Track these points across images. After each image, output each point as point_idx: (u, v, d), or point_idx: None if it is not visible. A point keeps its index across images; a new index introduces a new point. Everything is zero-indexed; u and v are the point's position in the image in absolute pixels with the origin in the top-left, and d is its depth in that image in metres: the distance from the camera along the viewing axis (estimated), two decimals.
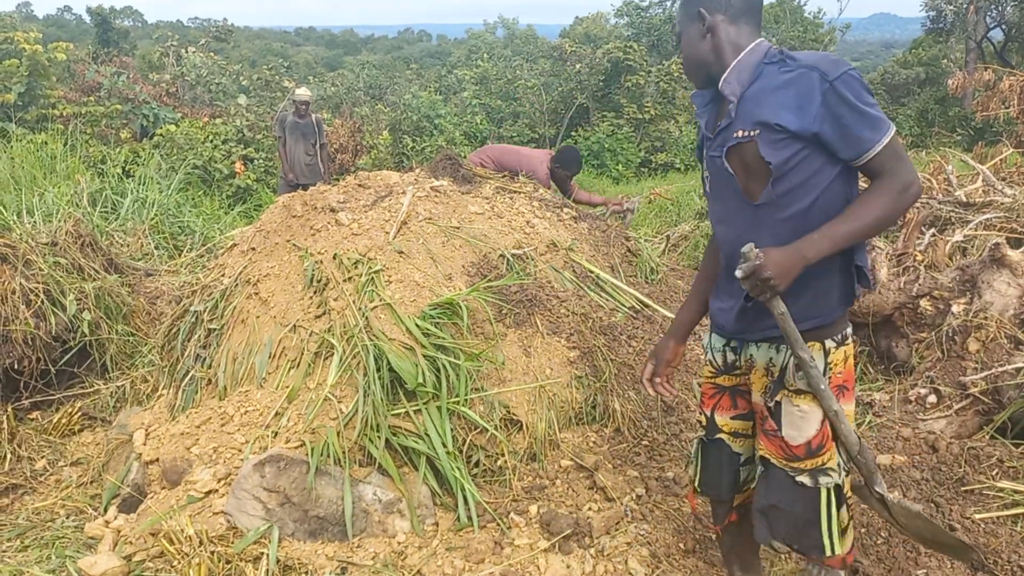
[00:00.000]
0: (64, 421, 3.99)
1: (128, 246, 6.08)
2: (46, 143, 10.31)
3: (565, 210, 4.36)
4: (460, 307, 3.43)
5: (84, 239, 5.09)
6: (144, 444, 3.53)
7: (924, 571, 2.86)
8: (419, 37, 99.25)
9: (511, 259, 3.81)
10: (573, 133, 21.82)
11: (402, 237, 3.75)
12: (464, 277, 3.70)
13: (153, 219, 6.69)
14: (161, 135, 14.92)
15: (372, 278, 3.54)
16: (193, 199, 10.11)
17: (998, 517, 3.00)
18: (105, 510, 3.34)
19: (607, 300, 3.97)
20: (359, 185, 4.11)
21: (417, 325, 3.39)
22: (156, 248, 6.27)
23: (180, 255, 6.51)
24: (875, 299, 4.34)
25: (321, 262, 3.70)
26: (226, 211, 10.97)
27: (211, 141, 15.26)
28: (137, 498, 3.36)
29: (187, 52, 19.01)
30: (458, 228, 3.86)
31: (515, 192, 4.31)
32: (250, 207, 12.55)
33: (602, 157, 20.72)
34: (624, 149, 21.41)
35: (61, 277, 4.45)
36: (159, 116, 16.33)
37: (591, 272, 4.03)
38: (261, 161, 15.58)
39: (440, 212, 3.93)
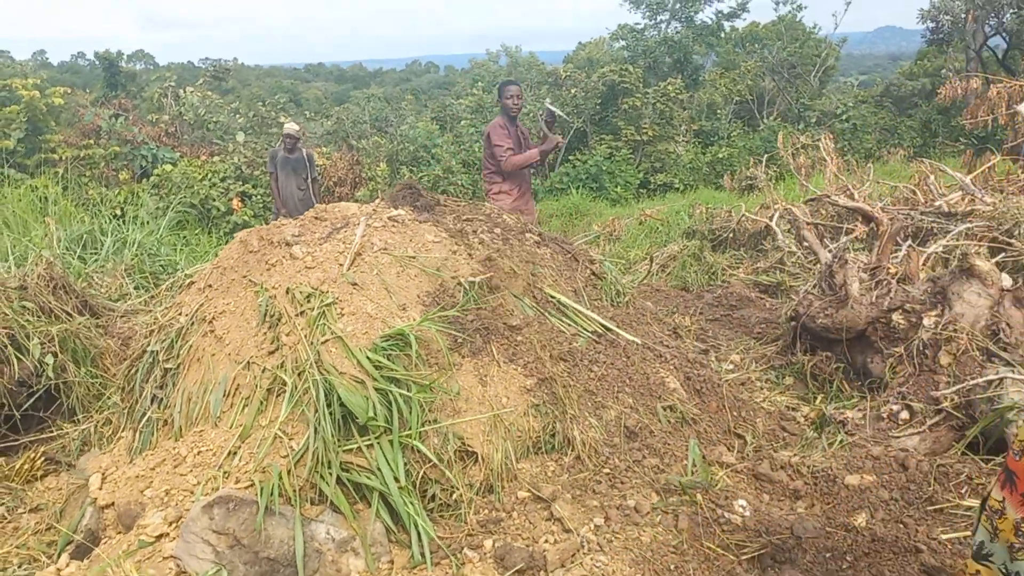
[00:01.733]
0: (27, 467, 3.94)
1: (106, 287, 6.08)
2: (40, 187, 10.41)
3: (527, 235, 4.31)
4: (410, 337, 3.38)
5: (56, 281, 5.08)
6: (100, 488, 3.47)
7: None
8: (427, 68, 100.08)
9: (467, 287, 3.76)
10: (571, 157, 21.85)
11: (356, 269, 3.71)
12: (419, 307, 3.65)
13: (133, 259, 6.69)
14: (158, 175, 15.05)
15: (324, 311, 3.50)
16: (186, 237, 10.15)
17: (965, 537, 2.90)
18: (58, 557, 3.28)
19: (569, 325, 3.91)
20: (315, 218, 4.08)
21: (368, 357, 3.33)
22: (136, 288, 6.26)
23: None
24: (848, 314, 4.26)
25: (275, 297, 3.66)
26: (223, 247, 11.00)
27: (208, 179, 15.39)
28: (90, 545, 3.30)
29: (185, 92, 19.22)
30: (414, 258, 3.82)
31: (475, 219, 4.27)
32: None
33: (600, 180, 20.74)
34: (622, 171, 21.43)
35: (27, 321, 4.43)
36: (157, 156, 16.49)
37: (552, 298, 3.97)
38: (259, 197, 15.70)
39: (396, 242, 3.89)
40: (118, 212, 11.93)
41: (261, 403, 3.41)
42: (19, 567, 3.28)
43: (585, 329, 3.92)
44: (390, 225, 3.97)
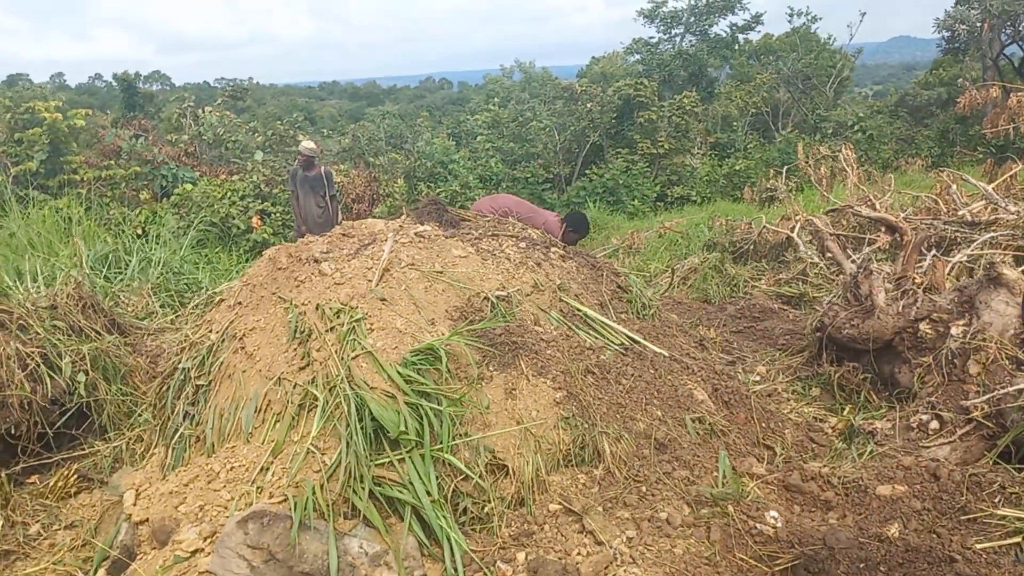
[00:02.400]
0: (60, 484, 3.99)
1: (132, 305, 6.15)
2: (62, 208, 10.55)
3: (553, 250, 4.34)
4: (440, 352, 3.41)
5: (85, 301, 5.15)
6: (134, 504, 3.51)
7: None
8: (440, 85, 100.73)
9: (495, 301, 3.78)
10: (588, 171, 21.90)
11: (384, 284, 3.75)
12: (447, 322, 3.68)
13: (159, 278, 6.77)
14: (179, 194, 15.21)
15: (354, 327, 3.54)
16: (208, 256, 10.25)
17: (1000, 546, 2.88)
18: (95, 574, 3.32)
19: (596, 338, 3.92)
20: (343, 235, 4.13)
21: (399, 372, 3.36)
22: (161, 306, 6.33)
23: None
24: (874, 324, 4.25)
25: (305, 313, 3.70)
26: (245, 265, 11.10)
27: (228, 198, 15.52)
28: (126, 561, 3.34)
29: (204, 112, 19.44)
30: (441, 273, 3.85)
31: (501, 235, 4.30)
32: None
33: (617, 193, 20.75)
34: (639, 184, 21.43)
35: (59, 340, 4.49)
36: (178, 176, 16.66)
37: (579, 311, 3.99)
38: (278, 215, 15.80)
39: (423, 257, 3.93)
40: (140, 232, 12.07)
41: (293, 418, 3.44)
42: None
43: (612, 342, 3.93)
44: (417, 241, 4.01)
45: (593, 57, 46.28)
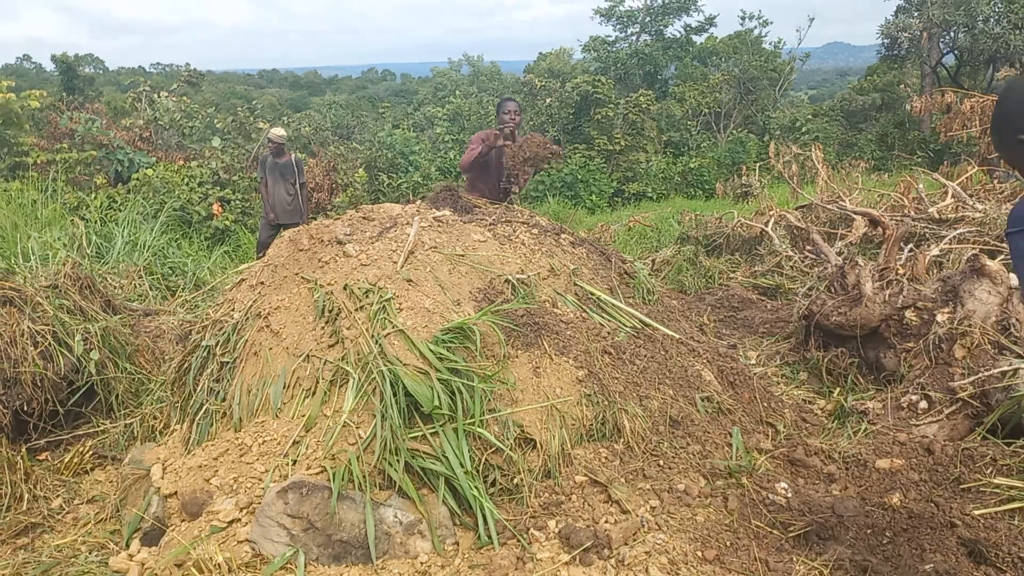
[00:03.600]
0: (76, 460, 4.01)
1: (122, 288, 6.12)
2: (22, 191, 10.31)
3: (563, 236, 4.50)
4: (472, 331, 3.54)
5: (82, 282, 5.12)
6: (162, 478, 3.57)
7: (931, 565, 2.98)
8: (383, 76, 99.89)
9: (516, 284, 3.93)
10: (545, 165, 22.12)
11: (410, 266, 3.86)
12: (472, 302, 3.81)
13: (146, 261, 6.73)
14: (138, 179, 14.93)
15: (384, 306, 3.64)
16: (175, 241, 10.13)
17: (996, 512, 3.15)
18: (127, 544, 3.37)
19: (609, 321, 4.11)
20: (363, 218, 4.22)
21: (431, 349, 3.49)
22: (150, 289, 6.30)
23: (173, 295, 6.56)
24: (862, 312, 4.52)
25: (331, 293, 3.79)
26: (206, 252, 11.00)
27: (187, 184, 15.31)
28: (158, 531, 3.40)
29: (159, 97, 19.07)
30: (463, 256, 3.98)
31: (514, 220, 4.45)
32: (230, 248, 12.56)
33: (575, 188, 21.04)
34: (596, 180, 21.77)
35: (66, 319, 4.49)
36: (134, 161, 16.34)
37: (592, 294, 4.17)
38: (238, 202, 15.64)
39: (444, 241, 4.05)
40: (101, 216, 11.84)
41: (324, 394, 3.54)
42: (89, 553, 3.36)
43: (624, 324, 4.12)
44: (437, 225, 4.13)
45: (541, 53, 46.57)
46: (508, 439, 3.43)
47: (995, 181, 8.07)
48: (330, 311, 3.74)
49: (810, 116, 27.97)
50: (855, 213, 6.09)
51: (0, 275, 4.42)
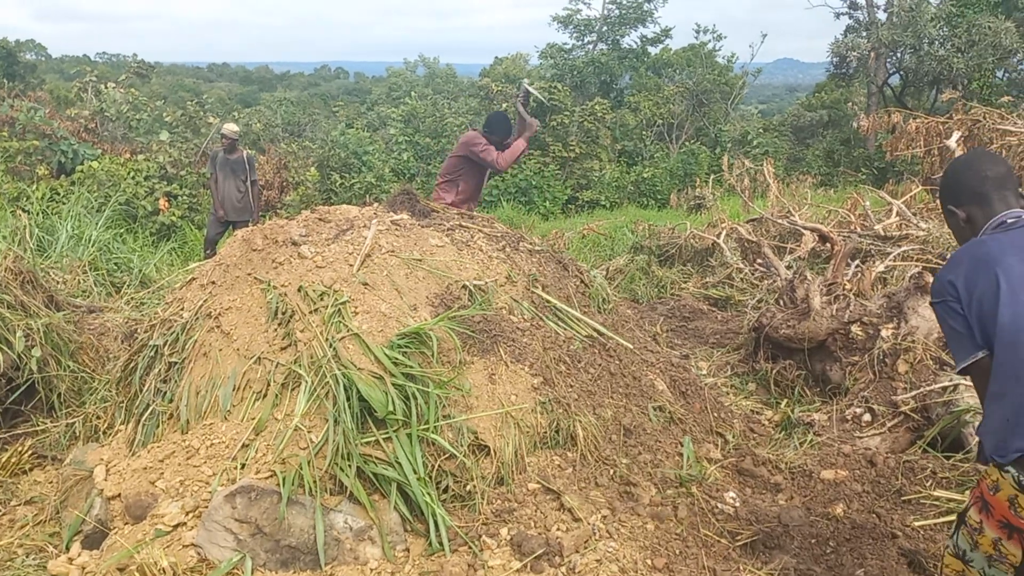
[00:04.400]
0: (14, 460, 3.88)
1: (66, 283, 5.94)
2: None
3: (522, 243, 4.51)
4: (428, 336, 3.53)
5: (24, 276, 4.97)
6: (106, 479, 3.48)
7: (862, 571, 3.07)
8: (336, 74, 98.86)
9: (473, 290, 3.93)
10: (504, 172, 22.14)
11: (366, 269, 3.83)
12: (428, 308, 3.80)
13: (91, 256, 6.55)
14: (82, 172, 14.54)
15: (339, 309, 3.61)
16: (120, 236, 9.88)
17: (935, 524, 3.24)
18: (68, 547, 3.28)
19: (564, 329, 4.12)
20: (319, 219, 4.18)
21: (386, 354, 3.46)
22: (95, 284, 6.13)
23: (118, 292, 6.40)
24: (810, 325, 4.62)
25: (285, 294, 3.74)
26: (152, 249, 10.76)
27: (133, 178, 14.96)
28: (100, 534, 3.31)
29: (106, 88, 18.60)
30: (420, 260, 3.97)
31: (472, 226, 4.44)
32: (177, 244, 12.31)
33: (530, 194, 21.11)
34: (551, 187, 21.87)
35: (6, 314, 4.34)
36: (78, 152, 15.91)
37: (549, 302, 4.18)
38: (185, 198, 15.34)
39: (402, 245, 4.03)
40: (43, 209, 11.50)
41: (276, 397, 3.49)
42: (26, 557, 3.26)
43: (579, 333, 4.14)
44: (394, 228, 4.11)
45: (497, 57, 46.62)
46: (462, 445, 3.43)
47: (937, 200, 8.32)
48: (283, 313, 3.69)
49: (760, 130, 28.52)
50: (805, 228, 6.23)
51: None
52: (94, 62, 60.48)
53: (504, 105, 23.01)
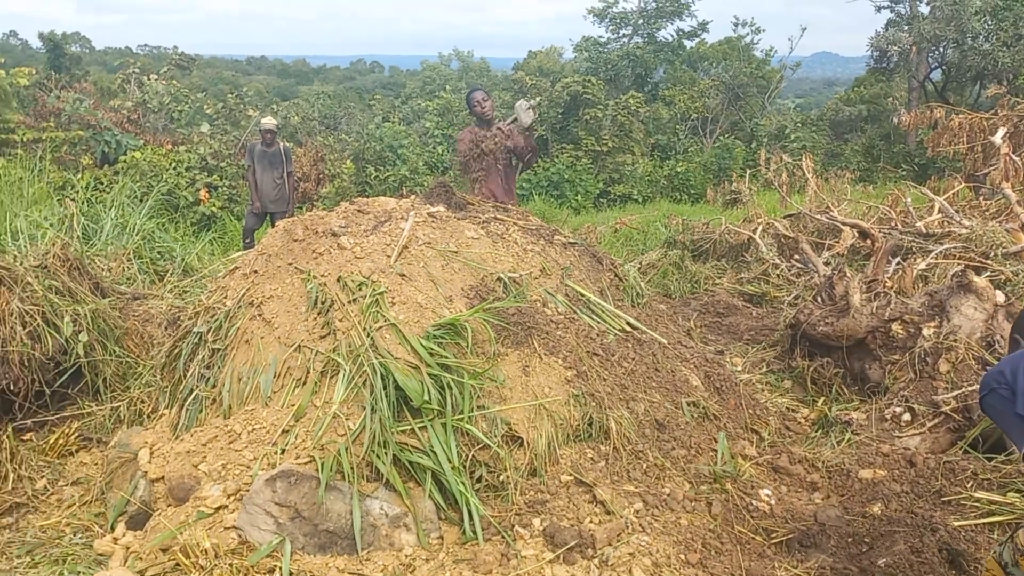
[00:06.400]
0: (61, 442, 4.00)
1: (111, 270, 6.08)
2: (8, 168, 10.20)
3: (556, 237, 4.53)
4: (464, 327, 3.56)
5: (71, 263, 5.09)
6: (150, 462, 3.56)
7: (884, 561, 3.04)
8: (371, 68, 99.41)
9: (508, 282, 3.95)
10: (533, 164, 22.16)
11: (403, 260, 3.88)
12: (464, 299, 3.83)
13: (135, 244, 6.70)
14: (125, 162, 14.82)
15: (376, 299, 3.65)
16: (162, 225, 10.06)
17: (976, 525, 3.20)
18: (112, 527, 3.37)
19: (598, 322, 4.13)
20: (358, 211, 4.23)
21: (422, 344, 3.50)
22: (139, 272, 6.27)
23: (161, 280, 6.53)
24: (849, 323, 4.58)
25: (325, 284, 3.80)
26: (193, 238, 10.94)
27: (175, 169, 15.21)
28: (144, 515, 3.40)
29: (149, 79, 18.92)
30: (456, 252, 4.00)
31: (507, 219, 4.47)
32: (216, 234, 12.50)
33: (562, 188, 21.08)
34: (583, 180, 21.82)
35: (55, 299, 4.46)
36: (121, 143, 16.20)
37: (583, 295, 4.20)
38: (225, 189, 15.57)
39: (438, 237, 4.07)
40: (88, 198, 11.75)
41: (315, 385, 3.54)
42: (74, 535, 3.36)
43: (613, 327, 4.15)
44: (431, 220, 4.15)
45: (530, 51, 46.49)
46: (496, 436, 3.46)
47: (981, 198, 8.18)
48: (323, 302, 3.75)
49: (798, 124, 28.15)
50: (844, 224, 6.16)
51: None
52: (136, 54, 61.52)
53: (537, 99, 23.00)
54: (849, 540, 3.27)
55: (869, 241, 5.50)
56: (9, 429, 3.85)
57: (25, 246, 5.34)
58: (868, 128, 29.10)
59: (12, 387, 4.02)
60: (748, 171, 11.38)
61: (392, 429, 3.35)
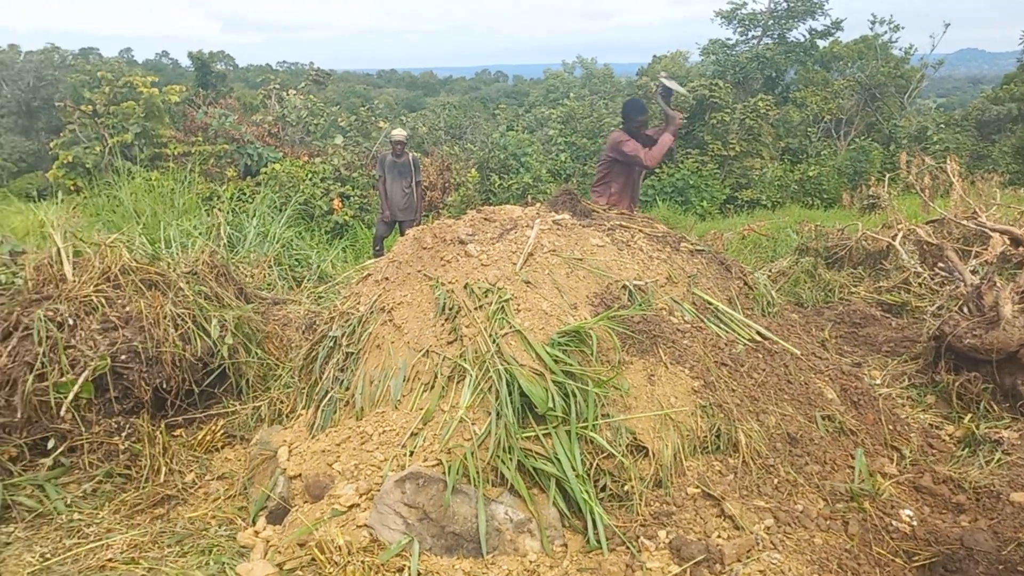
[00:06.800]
0: (208, 438, 4.26)
1: (253, 277, 6.45)
2: (161, 180, 10.98)
3: (683, 244, 4.46)
4: (588, 335, 3.56)
5: (218, 270, 5.43)
6: (288, 460, 3.75)
7: None
8: (496, 78, 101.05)
9: (633, 290, 3.93)
10: (657, 170, 21.87)
11: (528, 268, 3.92)
12: (588, 307, 3.83)
13: (275, 252, 7.07)
14: (266, 173, 15.66)
15: (502, 306, 3.71)
16: (300, 234, 10.58)
17: None
18: (254, 521, 3.56)
19: (726, 332, 4.04)
20: (485, 219, 4.31)
21: (547, 351, 3.53)
22: (279, 279, 6.62)
23: (299, 286, 6.87)
24: (999, 335, 4.28)
25: (452, 291, 3.89)
26: (327, 246, 11.42)
27: (311, 179, 15.94)
28: (282, 510, 3.57)
29: (288, 94, 19.92)
30: (581, 260, 4.01)
31: (632, 226, 4.44)
32: (348, 242, 13.00)
33: (687, 194, 20.71)
34: (709, 186, 21.36)
35: (204, 304, 4.77)
36: (262, 155, 17.12)
37: (710, 304, 4.11)
38: (356, 198, 16.17)
39: (563, 244, 4.09)
40: (232, 208, 12.49)
41: (443, 389, 3.63)
42: (219, 527, 3.56)
43: (742, 336, 4.05)
44: (556, 228, 4.17)
45: (655, 56, 45.87)
46: (620, 445, 3.44)
47: None
48: (450, 309, 3.84)
49: (941, 125, 26.54)
50: (994, 230, 5.76)
51: (148, 260, 4.73)
52: (275, 70, 64.96)
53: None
54: (1000, 568, 3.06)
55: (1021, 248, 5.11)
56: (162, 425, 4.13)
57: (177, 253, 5.74)
58: (1018, 128, 27.08)
59: (165, 385, 4.32)
60: (886, 175, 10.83)
61: (517, 435, 3.39)
